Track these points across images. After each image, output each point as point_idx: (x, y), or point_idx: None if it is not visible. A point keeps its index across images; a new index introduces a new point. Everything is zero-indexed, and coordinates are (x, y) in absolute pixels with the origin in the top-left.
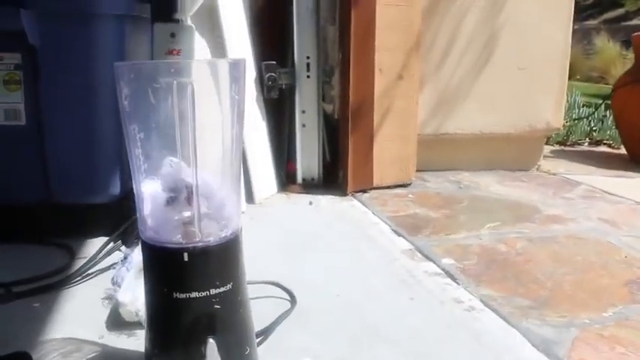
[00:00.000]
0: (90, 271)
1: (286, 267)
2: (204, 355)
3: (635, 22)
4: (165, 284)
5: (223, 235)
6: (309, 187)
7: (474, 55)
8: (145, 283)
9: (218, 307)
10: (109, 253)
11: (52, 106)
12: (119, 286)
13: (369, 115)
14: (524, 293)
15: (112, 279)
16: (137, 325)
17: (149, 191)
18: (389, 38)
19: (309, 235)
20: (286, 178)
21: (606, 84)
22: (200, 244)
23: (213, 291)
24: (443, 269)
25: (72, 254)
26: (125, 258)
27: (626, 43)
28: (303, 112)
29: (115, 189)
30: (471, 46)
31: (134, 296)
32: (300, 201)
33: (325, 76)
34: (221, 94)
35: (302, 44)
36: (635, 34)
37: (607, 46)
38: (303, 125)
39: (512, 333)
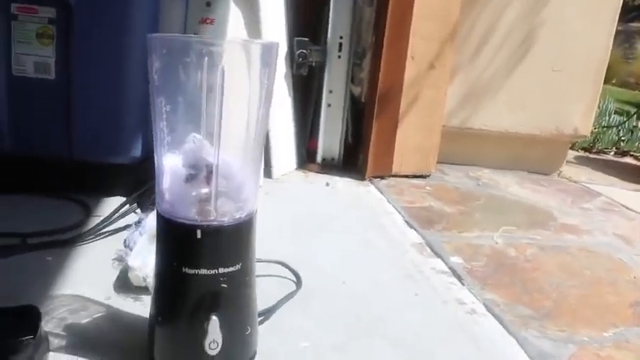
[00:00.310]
0: (104, 231)
1: (295, 247)
2: (206, 331)
3: None
4: (176, 258)
5: (238, 217)
6: (328, 167)
7: (509, 50)
8: (156, 254)
9: (225, 286)
10: (124, 215)
11: (83, 63)
12: (130, 250)
13: (396, 102)
14: (528, 302)
15: (125, 241)
16: (144, 290)
17: (169, 165)
18: (425, 26)
19: (322, 217)
20: (307, 156)
21: None
22: (214, 222)
23: (221, 270)
24: (450, 268)
25: (88, 211)
26: (139, 222)
27: None
28: (331, 91)
29: (137, 151)
30: (507, 40)
31: (144, 262)
32: (318, 181)
33: (356, 57)
34: (251, 76)
35: (336, 23)
36: None
37: None
38: (329, 105)
39: (510, 342)
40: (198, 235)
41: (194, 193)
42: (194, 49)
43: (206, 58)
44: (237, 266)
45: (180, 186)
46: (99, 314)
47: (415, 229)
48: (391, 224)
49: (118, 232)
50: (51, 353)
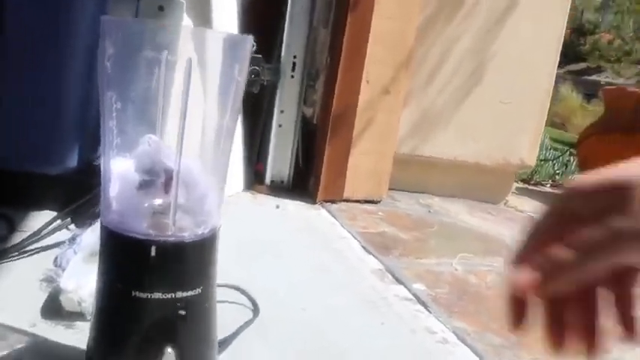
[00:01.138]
0: (30, 248)
1: (247, 272)
2: None
3: (594, 77)
4: (124, 279)
5: (200, 233)
6: (277, 189)
7: (460, 80)
8: (99, 274)
9: (183, 312)
10: (54, 231)
11: (14, 64)
12: (63, 270)
13: (349, 125)
14: (497, 330)
15: (55, 260)
16: (78, 316)
17: (119, 170)
18: (381, 50)
19: (274, 241)
20: (254, 177)
21: (566, 131)
22: (172, 238)
23: (179, 294)
24: (414, 295)
25: (12, 226)
26: (73, 239)
27: (588, 96)
28: (282, 111)
29: (72, 161)
30: (459, 71)
31: (78, 284)
32: (267, 203)
33: (310, 79)
34: (222, 71)
35: (290, 42)
36: (606, 88)
37: (570, 96)
38: (280, 125)
39: None
40: (153, 253)
41: (147, 204)
42: (155, 36)
43: (167, 48)
44: (198, 290)
45: (131, 194)
46: (20, 345)
47: (373, 255)
48: (347, 249)
49: (46, 250)
50: None
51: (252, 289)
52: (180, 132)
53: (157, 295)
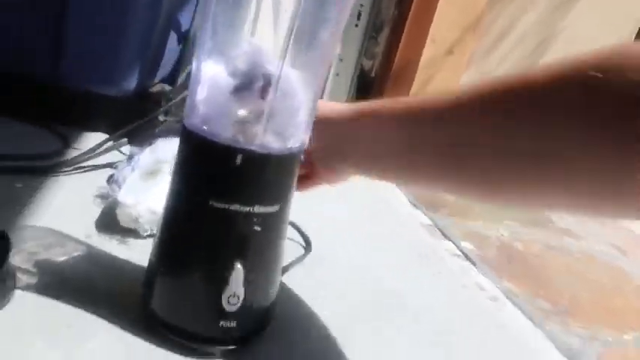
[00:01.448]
0: (84, 165)
1: (301, 210)
2: (227, 281)
3: None
4: (203, 188)
5: (289, 146)
6: None
7: (523, 52)
8: (172, 182)
9: (258, 228)
10: (108, 150)
11: None
12: (119, 186)
13: (408, 82)
14: (545, 296)
15: (111, 177)
16: (132, 233)
17: (210, 73)
18: (450, 9)
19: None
20: None
21: None
22: (260, 148)
23: (257, 208)
24: (463, 252)
25: (66, 143)
26: (131, 157)
27: None
28: (341, 60)
29: (130, 84)
30: (524, 42)
31: (137, 199)
32: None
33: (373, 30)
34: None
35: None
36: None
37: None
38: (337, 74)
39: (538, 333)
40: (238, 162)
41: (238, 109)
42: None
43: None
44: (276, 207)
45: (221, 98)
46: (77, 253)
47: (421, 211)
48: (396, 202)
49: (100, 169)
50: (17, 291)
51: (308, 228)
52: (287, 33)
53: (235, 207)
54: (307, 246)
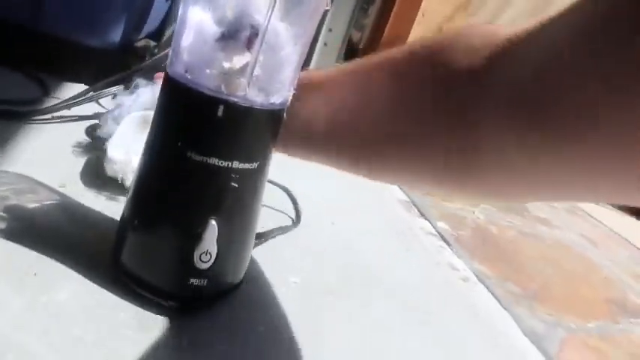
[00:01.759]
0: (64, 114)
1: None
2: (200, 238)
3: None
4: (182, 138)
5: (272, 102)
6: None
7: None
8: (151, 132)
9: (235, 185)
10: (88, 100)
11: None
12: (104, 138)
13: None
14: (516, 280)
15: (92, 128)
16: (113, 185)
17: (196, 20)
18: None
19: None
20: None
21: None
22: (243, 101)
23: (236, 164)
24: (438, 232)
25: (45, 90)
26: (135, 88)
27: None
28: (330, 30)
29: (115, 36)
30: (517, 20)
31: (128, 157)
32: None
33: (364, 1)
34: None
35: None
36: None
37: None
38: (325, 44)
39: (505, 316)
40: (220, 113)
41: (224, 59)
42: None
43: None
44: (255, 164)
45: (206, 46)
46: (50, 201)
47: (399, 187)
48: None
49: (78, 120)
50: None
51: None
52: None
53: (214, 161)
54: (297, 217)
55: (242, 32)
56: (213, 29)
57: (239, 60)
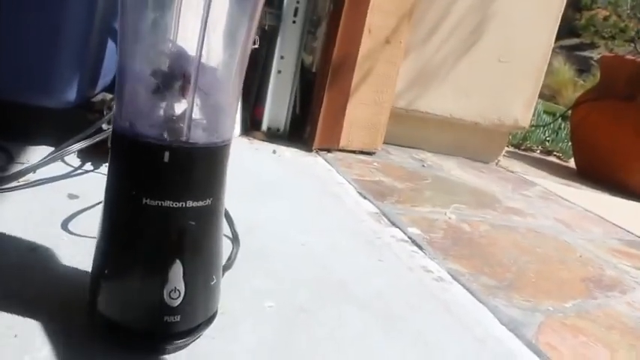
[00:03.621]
0: (32, 179)
1: (246, 209)
2: (167, 277)
3: (587, 53)
4: (136, 186)
5: (214, 141)
6: (274, 137)
7: (461, 36)
8: (107, 184)
9: (192, 223)
10: (53, 160)
11: None
12: None
13: (349, 74)
14: (490, 273)
15: None
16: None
17: (135, 75)
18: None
19: (272, 183)
20: (250, 123)
21: (556, 103)
22: (187, 144)
23: (190, 203)
24: (409, 237)
25: (10, 157)
26: None
27: (579, 72)
28: (282, 57)
29: (71, 95)
30: (460, 26)
31: None
32: (263, 148)
33: (311, 25)
34: None
35: None
36: (603, 55)
37: (563, 69)
38: (279, 72)
39: (481, 308)
40: (166, 159)
41: (162, 109)
42: None
43: None
44: (208, 201)
45: (146, 98)
46: (23, 262)
47: (369, 200)
48: (344, 194)
49: (47, 183)
50: None
51: (252, 224)
52: (200, 36)
53: (168, 204)
54: (235, 239)
55: (175, 82)
56: (149, 82)
57: (178, 107)
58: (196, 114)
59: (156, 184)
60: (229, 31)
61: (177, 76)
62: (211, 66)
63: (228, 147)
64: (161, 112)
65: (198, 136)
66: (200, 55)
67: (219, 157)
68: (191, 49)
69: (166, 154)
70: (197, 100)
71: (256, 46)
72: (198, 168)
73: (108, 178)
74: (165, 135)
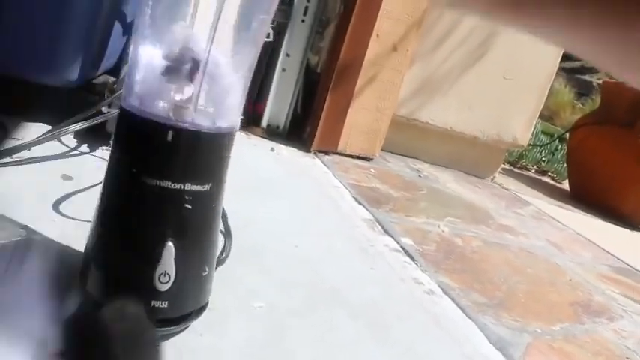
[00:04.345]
0: (26, 156)
1: (241, 205)
2: (158, 259)
3: (587, 77)
4: (136, 164)
5: (218, 126)
6: (273, 134)
7: (467, 49)
8: (110, 162)
9: (189, 207)
10: (50, 139)
11: None
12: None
13: (353, 78)
14: (481, 290)
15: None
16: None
17: (146, 57)
18: (395, 6)
19: (269, 181)
20: (250, 119)
21: (553, 124)
22: (191, 126)
23: (188, 186)
24: (402, 247)
25: (5, 132)
26: None
27: (579, 95)
28: (288, 55)
29: (73, 74)
30: (467, 40)
31: None
32: (262, 145)
33: (320, 25)
34: None
35: None
36: (605, 80)
37: (563, 91)
38: (284, 69)
39: (470, 325)
40: (169, 138)
41: (170, 90)
42: None
43: None
44: (207, 186)
45: (155, 78)
46: (19, 237)
47: (364, 206)
48: (339, 197)
49: (42, 161)
50: None
51: (247, 222)
52: (214, 21)
53: (167, 184)
54: (227, 234)
55: (184, 65)
56: (160, 64)
57: (187, 91)
58: (203, 99)
59: (156, 162)
60: (243, 22)
61: (187, 60)
62: (222, 54)
63: (232, 135)
64: (169, 93)
65: (203, 121)
66: (212, 42)
67: (222, 144)
68: (204, 35)
69: (170, 134)
70: (205, 86)
71: (270, 39)
72: (200, 152)
73: (111, 155)
74: (171, 115)
